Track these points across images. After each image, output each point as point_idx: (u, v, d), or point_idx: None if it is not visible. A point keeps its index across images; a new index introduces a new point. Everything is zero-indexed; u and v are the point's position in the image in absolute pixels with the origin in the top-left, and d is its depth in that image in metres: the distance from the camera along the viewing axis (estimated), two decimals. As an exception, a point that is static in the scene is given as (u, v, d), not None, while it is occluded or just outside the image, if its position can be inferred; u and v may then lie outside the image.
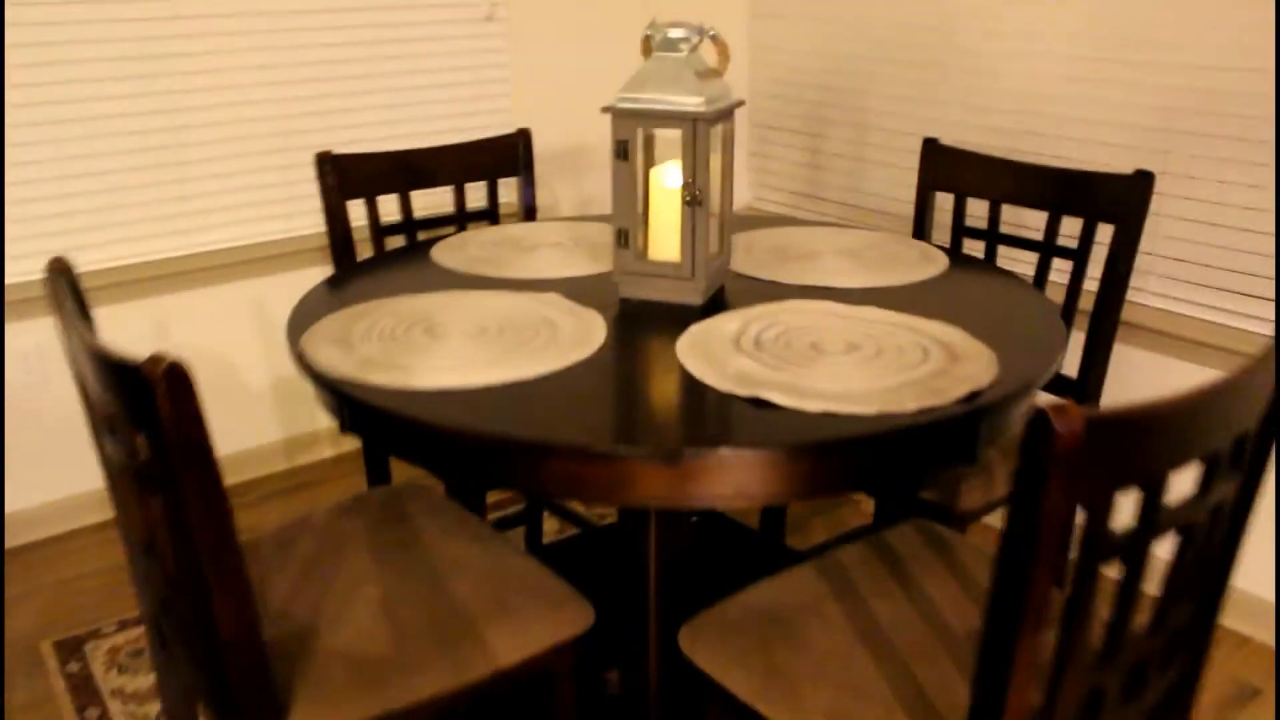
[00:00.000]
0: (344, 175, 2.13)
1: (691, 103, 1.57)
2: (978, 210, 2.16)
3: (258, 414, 2.96)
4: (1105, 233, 2.00)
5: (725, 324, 1.55)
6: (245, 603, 1.21)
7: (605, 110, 1.61)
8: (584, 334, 1.52)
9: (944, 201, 2.24)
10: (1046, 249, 2.05)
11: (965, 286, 1.77)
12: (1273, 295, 2.17)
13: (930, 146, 2.20)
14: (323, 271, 2.97)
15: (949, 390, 1.34)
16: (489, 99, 3.11)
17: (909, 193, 2.84)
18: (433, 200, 2.93)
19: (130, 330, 2.71)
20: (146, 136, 2.62)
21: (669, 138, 1.63)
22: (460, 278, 1.80)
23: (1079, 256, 2.01)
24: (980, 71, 2.62)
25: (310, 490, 2.93)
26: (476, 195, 2.34)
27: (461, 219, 2.28)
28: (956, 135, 2.69)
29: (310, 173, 2.90)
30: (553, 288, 1.73)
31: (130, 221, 2.66)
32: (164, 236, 2.72)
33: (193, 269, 2.75)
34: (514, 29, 3.08)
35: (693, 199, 1.60)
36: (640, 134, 1.62)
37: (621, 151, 1.61)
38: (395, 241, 2.24)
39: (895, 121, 2.84)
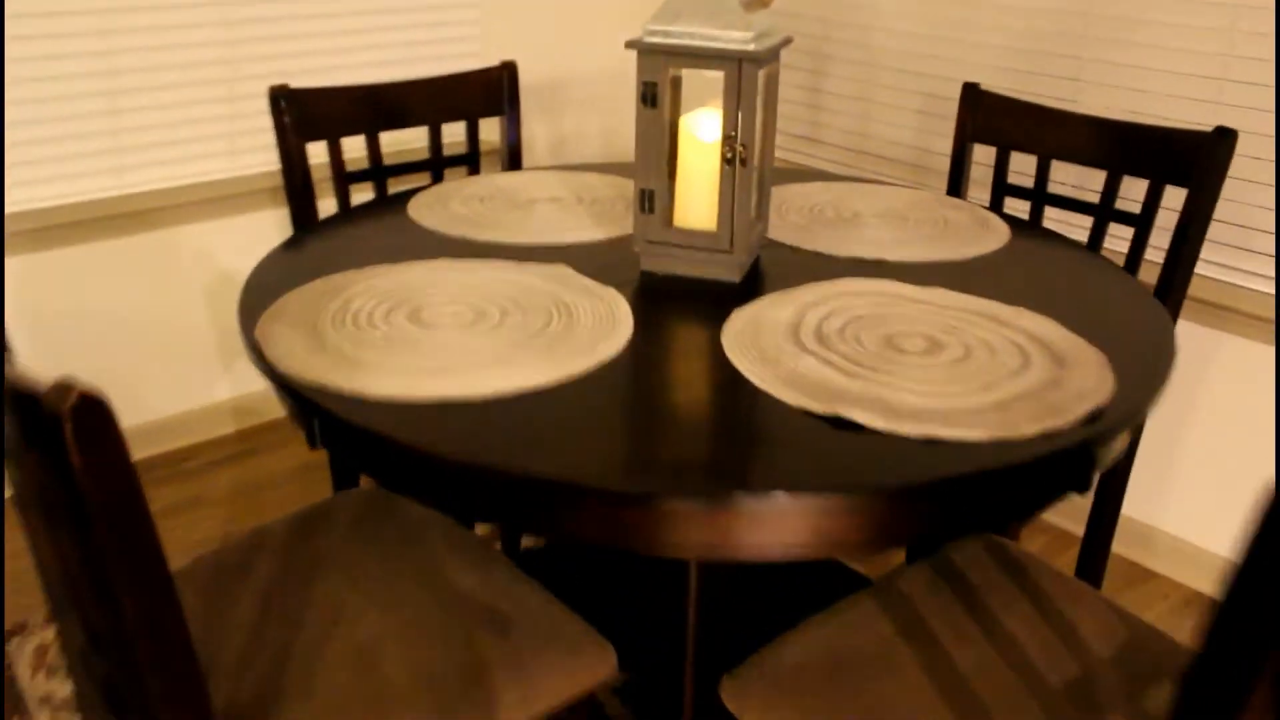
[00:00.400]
0: (303, 113, 1.78)
1: (737, 38, 1.26)
2: (1019, 166, 1.88)
3: (202, 372, 2.62)
4: (1171, 197, 1.72)
5: (776, 310, 1.26)
6: (188, 680, 0.91)
7: (630, 45, 1.29)
8: (606, 321, 1.22)
9: (981, 155, 1.95)
10: (1103, 212, 1.77)
11: (1037, 262, 1.48)
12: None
13: (971, 93, 1.90)
14: (273, 215, 2.62)
15: (1067, 408, 1.06)
16: (456, 26, 2.74)
17: (918, 138, 2.55)
18: (400, 141, 2.59)
19: (57, 281, 2.34)
20: (73, 62, 2.24)
21: (705, 80, 1.32)
22: (445, 241, 1.48)
23: (1142, 222, 1.73)
24: (1005, 6, 2.32)
25: (262, 457, 2.60)
26: (450, 135, 2.00)
27: (438, 164, 1.94)
28: (978, 78, 2.39)
29: (257, 105, 2.53)
30: (557, 256, 1.42)
31: (55, 158, 2.28)
32: (94, 175, 2.34)
33: (127, 211, 2.38)
34: (486, -53, 2.71)
35: (735, 156, 1.29)
36: (670, 75, 1.30)
37: (649, 97, 1.30)
38: (360, 190, 1.90)
39: (905, 60, 2.53)
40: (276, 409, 2.75)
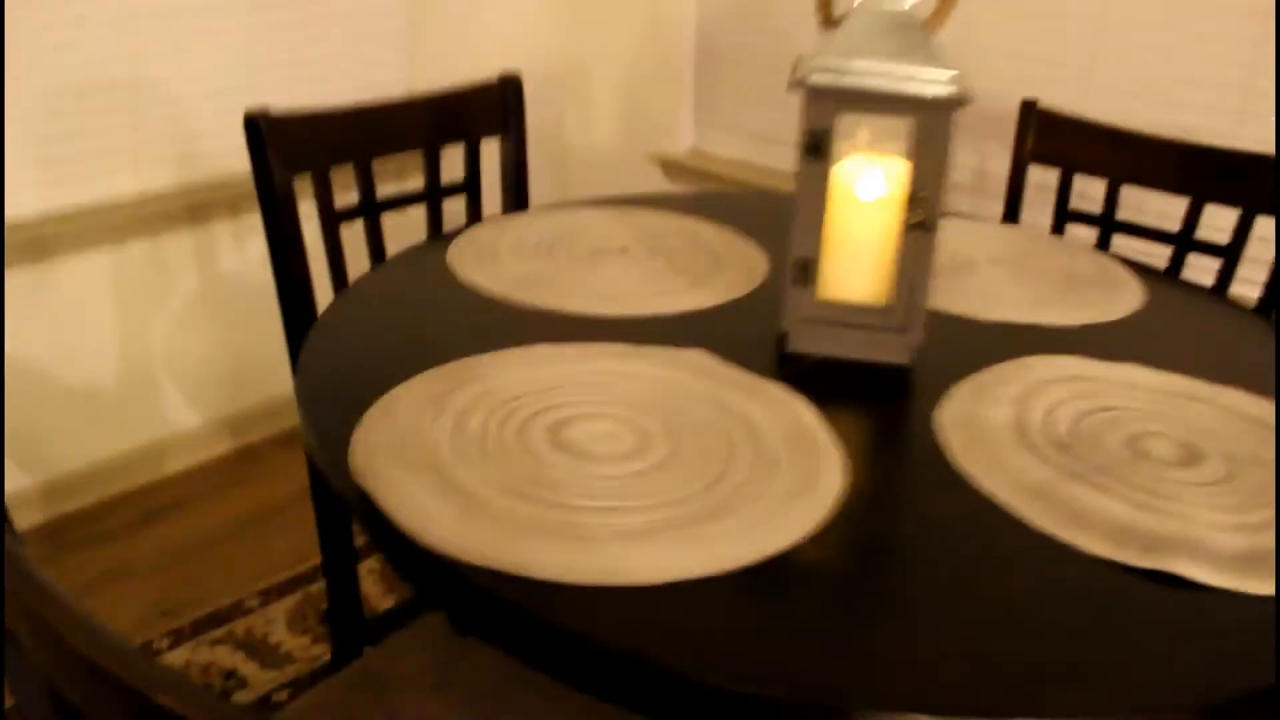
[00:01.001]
0: (287, 143, 1.43)
1: (933, 79, 1.00)
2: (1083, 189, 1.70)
3: (107, 418, 2.20)
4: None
5: (988, 408, 1.02)
6: None
7: (795, 86, 1.02)
8: (802, 441, 0.95)
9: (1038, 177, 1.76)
10: (1183, 242, 1.61)
11: (1193, 322, 1.30)
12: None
13: (1031, 111, 1.70)
14: (190, 238, 2.21)
15: (1401, 537, 0.87)
16: (374, 36, 2.38)
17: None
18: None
19: (-67, 329, 1.90)
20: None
21: (878, 128, 1.06)
22: (526, 315, 1.18)
23: (1230, 253, 1.57)
24: (1005, 7, 2.14)
25: (187, 512, 2.21)
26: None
27: (435, 195, 1.62)
28: (980, 84, 2.20)
29: (167, 112, 2.12)
30: (673, 333, 1.14)
31: (-74, 182, 1.83)
32: (-24, 201, 1.91)
33: (13, 241, 1.95)
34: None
35: (924, 221, 1.04)
36: (839, 123, 1.04)
37: (816, 146, 1.03)
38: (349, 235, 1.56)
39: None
40: (195, 455, 2.35)
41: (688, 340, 1.12)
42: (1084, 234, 1.70)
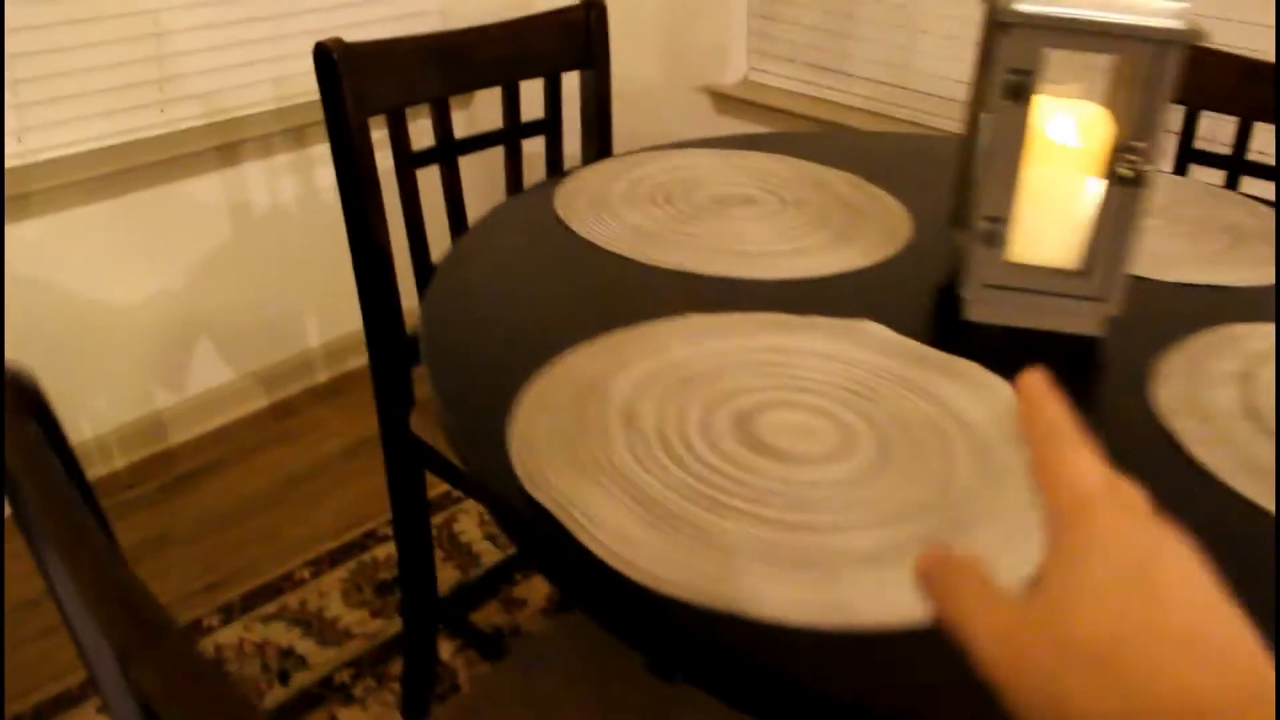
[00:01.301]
0: (361, 76, 1.28)
1: (1157, 11, 0.87)
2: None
3: (134, 375, 2.06)
4: None
5: (1209, 388, 0.90)
6: None
7: (996, 18, 0.88)
8: (1017, 429, 0.84)
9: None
10: (1324, 186, 1.49)
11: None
12: None
13: (1158, 40, 1.56)
14: (219, 180, 2.05)
15: None
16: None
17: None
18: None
19: (-48, 282, 1.75)
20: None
21: (1080, 67, 0.93)
22: (656, 275, 1.05)
23: (1376, 199, 1.45)
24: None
25: (227, 473, 2.08)
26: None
27: (515, 136, 1.47)
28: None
29: (190, 42, 1.94)
30: (826, 298, 1.02)
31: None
32: (-8, 141, 1.74)
33: (28, 190, 1.79)
34: None
35: (1134, 174, 0.91)
36: (1045, 61, 0.90)
37: (1018, 87, 0.90)
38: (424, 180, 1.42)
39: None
40: (229, 412, 2.22)
41: (847, 307, 1.00)
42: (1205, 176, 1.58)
